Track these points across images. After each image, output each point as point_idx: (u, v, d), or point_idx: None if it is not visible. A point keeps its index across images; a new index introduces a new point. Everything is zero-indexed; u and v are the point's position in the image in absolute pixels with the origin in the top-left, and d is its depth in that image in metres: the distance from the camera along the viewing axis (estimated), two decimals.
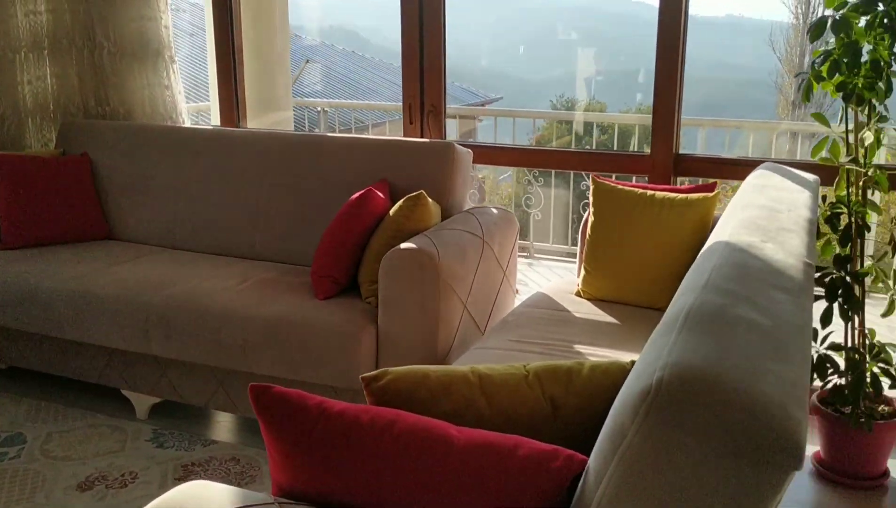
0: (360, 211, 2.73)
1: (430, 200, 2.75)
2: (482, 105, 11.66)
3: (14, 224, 3.19)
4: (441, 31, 3.34)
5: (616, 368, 1.28)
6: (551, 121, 8.03)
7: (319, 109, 6.55)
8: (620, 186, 2.78)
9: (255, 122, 3.99)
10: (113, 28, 3.58)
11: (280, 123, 4.21)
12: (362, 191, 2.76)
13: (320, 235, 3.09)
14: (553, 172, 5.27)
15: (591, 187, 2.82)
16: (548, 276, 5.07)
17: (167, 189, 3.39)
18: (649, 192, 2.75)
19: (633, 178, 3.52)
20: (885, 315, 2.65)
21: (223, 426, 2.97)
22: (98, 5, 3.57)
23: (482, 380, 1.27)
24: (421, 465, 1.07)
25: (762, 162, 2.65)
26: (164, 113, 3.67)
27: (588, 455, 1.07)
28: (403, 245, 2.51)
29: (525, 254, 5.47)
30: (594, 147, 5.86)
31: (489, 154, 3.49)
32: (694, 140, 5.22)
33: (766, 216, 1.85)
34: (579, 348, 2.33)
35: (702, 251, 1.66)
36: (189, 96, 5.60)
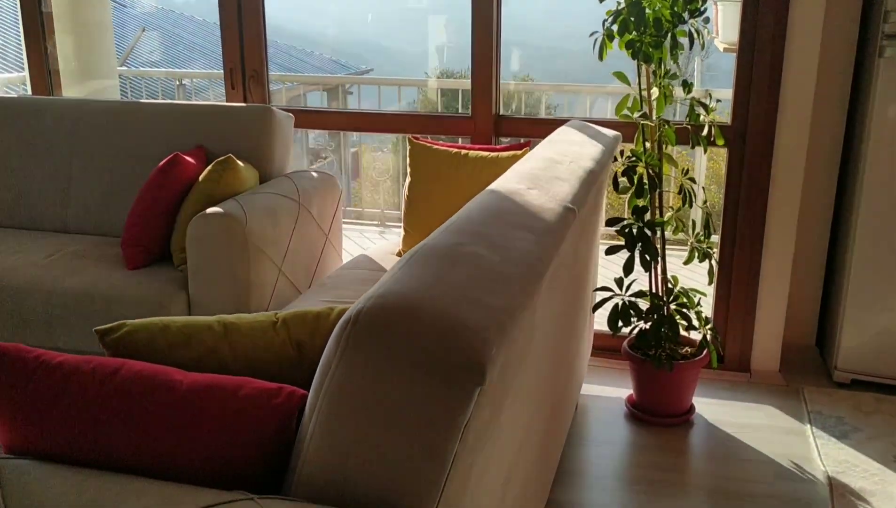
0: (167, 178, 2.65)
1: (241, 164, 2.71)
2: (354, 76, 11.53)
3: None
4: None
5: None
6: (421, 91, 8.05)
7: (176, 80, 6.30)
8: (436, 147, 2.83)
9: (73, 92, 3.80)
10: None
11: (103, 91, 4.03)
12: (169, 156, 2.69)
13: None
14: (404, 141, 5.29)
15: (409, 148, 2.85)
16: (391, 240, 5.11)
17: None
18: (463, 151, 2.81)
19: (459, 140, 3.58)
20: (686, 263, 2.82)
21: None
22: None
23: (227, 328, 1.27)
24: (142, 410, 1.06)
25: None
26: None
27: None
28: (209, 210, 2.46)
29: (375, 222, 5.49)
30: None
31: (316, 119, 3.46)
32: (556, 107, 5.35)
33: (544, 167, 1.93)
34: None
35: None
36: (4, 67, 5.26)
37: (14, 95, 3.92)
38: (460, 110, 5.97)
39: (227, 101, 3.39)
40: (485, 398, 1.05)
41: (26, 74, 3.89)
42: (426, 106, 7.56)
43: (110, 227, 3.04)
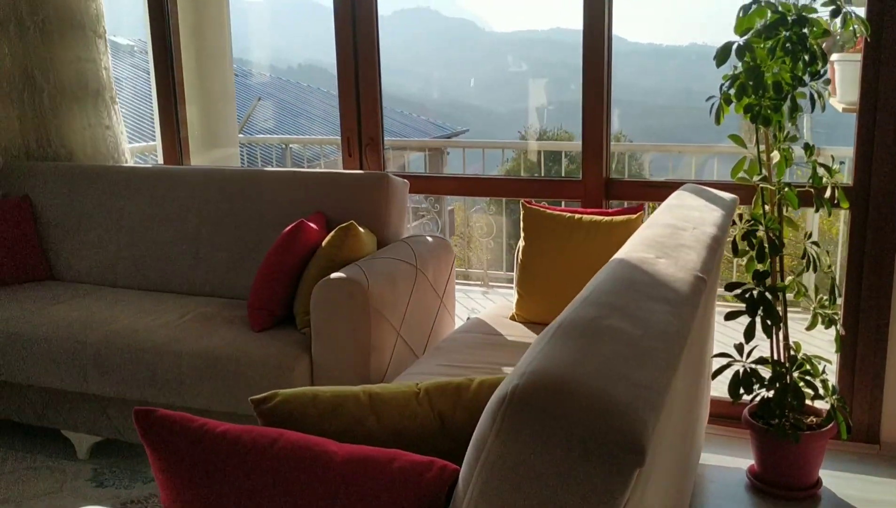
0: (292, 243, 2.77)
1: (361, 229, 2.80)
2: (449, 138, 11.79)
3: None
4: (376, 63, 3.41)
5: (501, 382, 1.32)
6: (519, 152, 8.15)
7: (284, 145, 6.57)
8: (549, 211, 2.85)
9: (199, 159, 4.03)
10: (52, 70, 3.62)
11: (225, 159, 4.25)
12: (294, 223, 2.81)
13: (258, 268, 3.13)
14: (504, 200, 5.36)
15: (522, 212, 2.89)
16: (499, 302, 5.13)
17: (108, 228, 3.40)
18: (577, 215, 2.83)
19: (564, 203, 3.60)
20: (809, 328, 2.73)
21: None
22: (37, 48, 3.61)
23: (372, 399, 1.31)
24: (300, 481, 1.11)
25: (686, 183, 2.75)
26: (105, 153, 3.70)
27: None
28: (333, 275, 2.55)
29: (479, 283, 5.53)
30: (548, 175, 5.96)
31: (428, 184, 3.56)
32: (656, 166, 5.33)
33: (668, 234, 1.93)
34: (508, 369, 2.37)
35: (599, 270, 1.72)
36: (137, 136, 5.64)
37: (148, 163, 4.18)
38: (563, 171, 6.01)
39: (343, 167, 3.53)
40: (639, 478, 1.05)
41: (157, 142, 4.16)
42: (525, 165, 7.63)
43: (236, 289, 3.18)
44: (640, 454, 0.95)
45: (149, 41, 3.88)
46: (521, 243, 2.87)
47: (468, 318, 3.42)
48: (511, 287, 5.49)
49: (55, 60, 3.60)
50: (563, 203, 3.51)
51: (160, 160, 4.18)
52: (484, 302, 5.17)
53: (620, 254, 1.71)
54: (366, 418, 1.29)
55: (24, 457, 2.96)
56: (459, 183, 3.58)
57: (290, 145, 7.09)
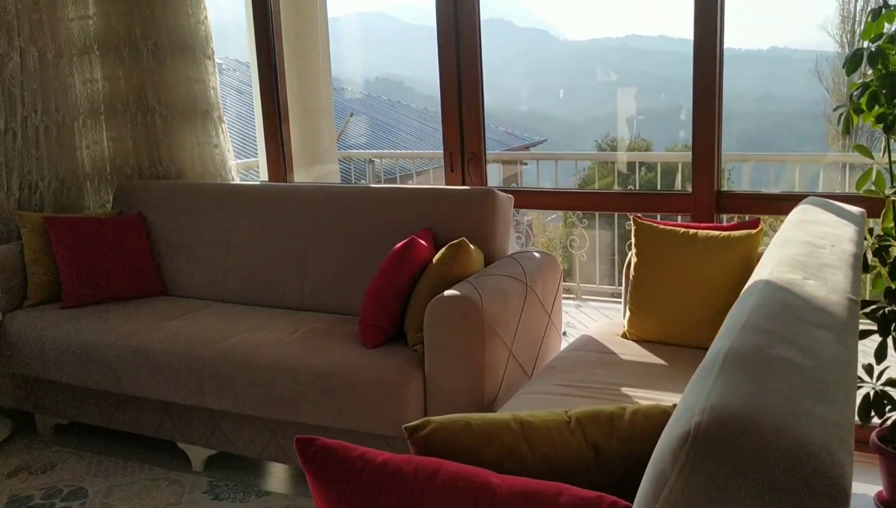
0: (403, 260, 2.77)
1: (472, 246, 2.79)
2: (526, 148, 11.73)
3: (74, 284, 3.31)
4: (478, 79, 3.41)
5: (658, 412, 1.28)
6: (595, 162, 8.05)
7: (367, 160, 6.65)
8: (662, 226, 2.78)
9: (301, 175, 4.10)
10: (164, 92, 3.74)
11: (326, 176, 4.31)
12: (405, 240, 2.81)
13: (366, 285, 3.15)
14: (597, 213, 5.27)
15: (633, 228, 2.82)
16: (595, 317, 5.05)
17: (217, 244, 3.49)
18: (691, 230, 2.74)
19: (679, 217, 3.51)
20: None
21: (277, 476, 3.01)
22: (149, 71, 3.74)
23: (524, 427, 1.28)
24: None
25: (806, 196, 2.63)
26: (213, 171, 3.79)
27: (631, 502, 1.07)
28: (447, 292, 2.54)
29: (572, 296, 5.46)
30: (638, 187, 5.85)
31: (531, 198, 3.52)
32: (740, 176, 5.16)
33: (807, 253, 1.84)
34: (626, 390, 2.31)
35: (742, 291, 1.65)
36: (238, 153, 5.77)
37: (251, 180, 4.27)
38: (638, 183, 5.88)
39: (445, 183, 3.53)
40: None
41: (259, 159, 4.25)
42: (601, 176, 7.51)
43: (343, 304, 3.21)
44: (843, 497, 0.89)
45: (253, 60, 3.97)
46: (633, 258, 2.81)
47: (564, 333, 3.37)
48: (606, 300, 5.42)
49: (166, 82, 3.72)
50: (658, 216, 3.42)
51: (261, 176, 4.27)
52: (578, 316, 5.09)
53: (763, 274, 1.63)
54: (518, 447, 1.26)
55: (143, 468, 3.04)
56: (561, 197, 3.53)
57: (374, 160, 7.16)
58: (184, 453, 3.04)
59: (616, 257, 5.52)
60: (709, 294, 2.60)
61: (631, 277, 2.80)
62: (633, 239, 2.83)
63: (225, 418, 2.90)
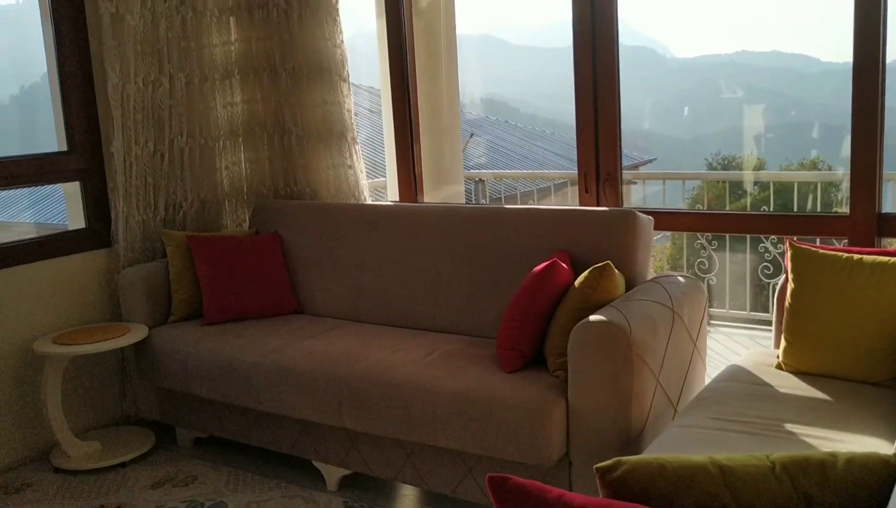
0: (544, 283, 2.71)
1: (616, 270, 2.70)
2: (635, 168, 11.47)
3: (215, 301, 3.40)
4: (616, 99, 3.32)
5: (876, 461, 1.16)
6: (706, 181, 7.75)
7: (476, 179, 6.64)
8: (822, 251, 2.61)
9: (429, 195, 4.10)
10: (300, 114, 3.82)
11: (452, 196, 4.30)
12: (547, 262, 2.74)
13: (501, 306, 3.10)
14: (726, 234, 5.05)
15: (789, 253, 2.66)
16: (727, 344, 4.82)
17: (351, 264, 3.52)
18: (856, 255, 2.56)
19: (818, 239, 3.31)
20: None
21: (411, 499, 2.98)
22: (287, 94, 3.83)
23: (724, 472, 1.19)
24: None
25: None
26: (347, 191, 3.84)
27: None
28: (593, 317, 2.46)
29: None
30: (749, 206, 5.58)
31: (668, 220, 3.39)
32: (885, 196, 4.84)
33: None
34: (790, 427, 2.17)
35: None
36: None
37: (381, 200, 4.30)
38: (749, 203, 5.60)
39: (579, 204, 3.45)
40: None
41: (387, 179, 4.28)
42: (712, 195, 7.18)
43: (476, 326, 3.17)
44: None
45: (385, 81, 4.01)
46: (790, 285, 2.64)
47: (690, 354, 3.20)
48: (737, 326, 5.17)
49: (303, 104, 3.80)
50: (790, 238, 3.21)
51: (390, 196, 4.31)
52: (710, 342, 4.88)
53: None
54: (720, 494, 1.17)
55: (279, 485, 3.08)
56: (701, 219, 3.39)
57: (508, 181, 7.11)
58: (318, 471, 3.06)
59: (748, 280, 5.28)
60: (879, 324, 2.41)
61: (786, 304, 2.64)
62: (788, 264, 2.67)
63: (361, 438, 2.90)
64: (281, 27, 3.78)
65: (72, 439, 3.26)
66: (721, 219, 3.40)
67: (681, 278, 2.95)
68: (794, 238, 2.84)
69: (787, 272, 2.69)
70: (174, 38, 3.59)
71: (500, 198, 7.55)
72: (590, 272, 2.66)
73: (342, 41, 3.76)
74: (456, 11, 4.32)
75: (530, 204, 5.97)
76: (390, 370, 2.78)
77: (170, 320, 3.49)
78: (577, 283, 2.69)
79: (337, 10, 3.74)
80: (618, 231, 2.97)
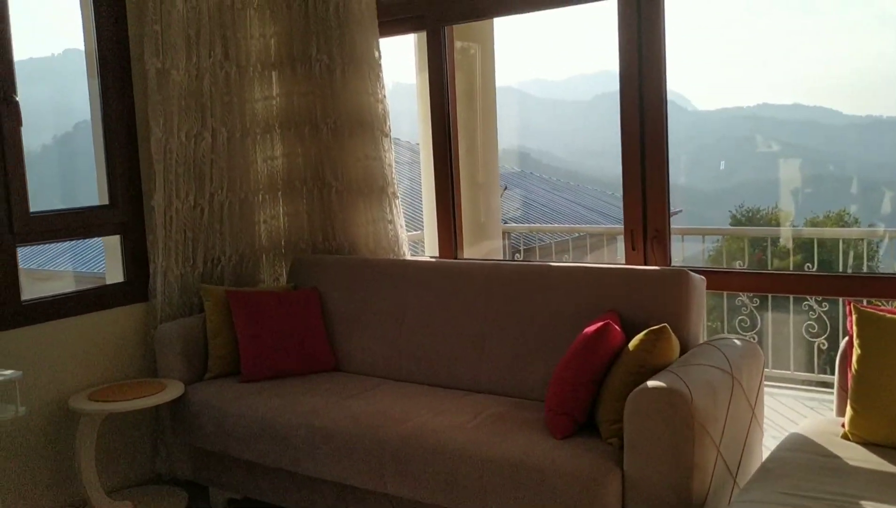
0: (597, 345, 2.61)
1: (672, 333, 2.60)
2: None
3: (252, 357, 3.33)
4: (664, 155, 3.25)
5: None
6: (727, 236, 7.61)
7: (528, 235, 6.56)
8: (890, 315, 2.50)
9: (468, 250, 4.03)
10: (341, 168, 3.79)
11: (491, 251, 4.24)
12: (599, 323, 2.65)
13: (547, 367, 3.01)
14: (769, 294, 4.93)
15: (854, 316, 2.55)
16: (772, 405, 4.66)
17: (391, 321, 3.44)
18: None
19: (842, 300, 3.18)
20: None
21: None
22: (328, 148, 3.81)
23: None
24: None
25: None
26: (387, 246, 3.78)
27: None
28: (650, 383, 2.35)
29: None
30: (771, 263, 5.44)
31: (722, 279, 3.29)
32: None
33: None
34: (868, 504, 2.03)
35: None
36: None
37: (419, 255, 4.24)
38: (770, 261, 5.46)
39: (625, 262, 3.36)
40: None
41: (426, 233, 4.23)
42: (730, 251, 7.05)
43: (521, 388, 3.07)
44: None
45: (426, 135, 3.98)
46: (856, 351, 2.53)
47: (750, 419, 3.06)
48: (784, 387, 5.01)
49: (344, 159, 3.78)
50: (852, 300, 3.09)
51: (427, 250, 4.25)
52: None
53: None
54: None
55: None
56: (758, 279, 3.28)
57: (511, 234, 7.02)
58: None
59: (791, 340, 5.13)
60: None
61: (852, 371, 2.52)
62: (853, 329, 2.56)
63: (403, 504, 2.79)
64: (323, 82, 3.78)
65: (103, 498, 3.17)
66: (777, 280, 3.28)
67: (737, 341, 2.84)
68: (841, 300, 2.74)
69: (851, 337, 2.58)
70: (217, 93, 3.59)
71: (520, 251, 7.44)
72: (645, 335, 2.56)
73: (384, 96, 3.74)
74: (496, 65, 4.32)
75: (566, 259, 5.89)
76: (435, 434, 2.68)
77: (206, 376, 3.41)
78: (630, 346, 2.59)
79: (380, 65, 3.73)
80: (670, 292, 2.87)
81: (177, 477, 3.49)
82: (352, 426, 2.83)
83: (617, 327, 2.69)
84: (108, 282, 3.60)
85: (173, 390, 3.21)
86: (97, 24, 3.40)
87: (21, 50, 3.13)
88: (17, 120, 3.10)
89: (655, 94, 3.23)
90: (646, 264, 3.30)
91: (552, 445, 2.53)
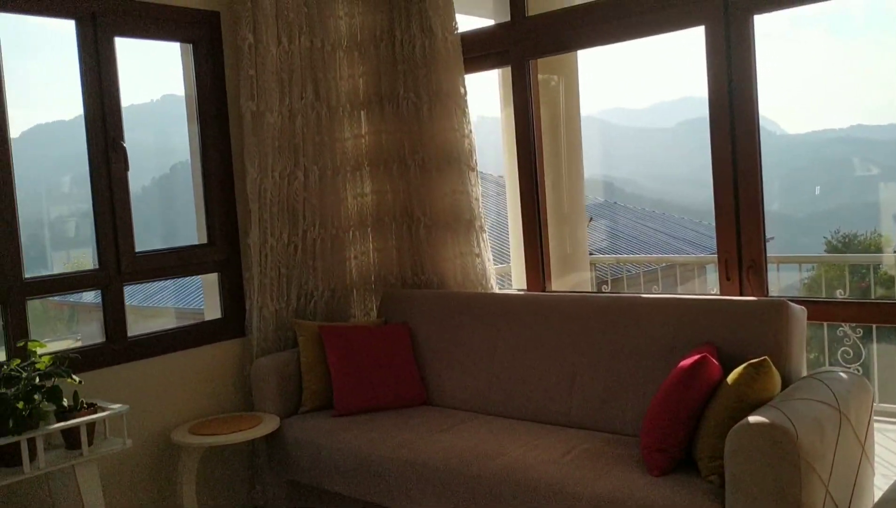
0: (694, 379, 2.54)
1: (773, 367, 2.51)
2: None
3: (345, 392, 3.38)
4: (758, 179, 3.17)
5: None
6: (824, 264, 7.27)
7: (615, 266, 6.45)
8: None
9: (556, 283, 4.01)
10: (429, 203, 3.84)
11: (579, 283, 4.20)
12: (696, 357, 2.58)
13: (640, 402, 2.95)
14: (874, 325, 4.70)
15: None
16: (885, 444, 4.42)
17: (481, 355, 3.44)
18: None
19: None
20: None
21: None
22: (416, 184, 3.87)
23: None
24: None
25: None
26: (475, 280, 3.80)
27: None
28: (752, 419, 2.27)
29: None
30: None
31: (823, 310, 3.17)
32: None
33: None
34: None
35: None
36: None
37: (506, 288, 4.24)
38: (847, 288, 5.18)
39: (720, 293, 3.28)
40: None
41: (512, 265, 4.22)
42: (828, 279, 6.70)
43: (613, 423, 3.02)
44: None
45: (512, 167, 4.00)
46: None
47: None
48: (891, 422, 4.75)
49: (432, 194, 3.83)
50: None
51: (514, 283, 4.24)
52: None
53: None
54: None
55: None
56: (862, 309, 3.13)
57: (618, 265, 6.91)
58: None
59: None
60: None
61: None
62: None
63: None
64: (410, 119, 3.85)
65: None
66: (888, 309, 3.11)
67: (843, 374, 2.72)
68: None
69: None
70: (309, 133, 3.70)
71: (607, 282, 7.32)
72: (745, 368, 2.48)
73: (470, 131, 3.79)
74: (581, 95, 4.30)
75: (654, 289, 5.78)
76: (528, 470, 2.65)
77: (300, 410, 3.48)
78: (729, 380, 2.51)
79: (466, 101, 3.78)
80: (770, 323, 2.78)
81: None
82: (444, 461, 2.83)
83: (714, 360, 2.62)
84: (207, 318, 3.72)
85: (269, 424, 3.28)
86: (197, 70, 3.57)
87: (124, 97, 3.30)
88: (124, 164, 3.27)
89: (748, 119, 3.17)
90: (741, 295, 3.21)
91: (649, 482, 2.47)
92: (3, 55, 2.94)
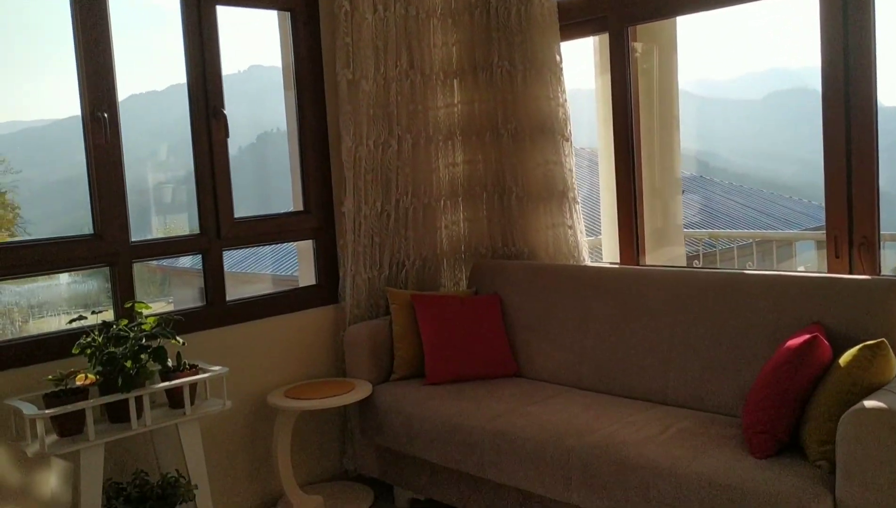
0: (804, 360, 2.44)
1: (890, 349, 2.39)
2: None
3: (437, 361, 3.39)
4: (874, 152, 3.00)
5: None
6: None
7: (707, 241, 6.27)
8: None
9: (649, 257, 3.92)
10: (521, 173, 3.79)
11: (674, 258, 4.09)
12: (806, 336, 2.48)
13: (740, 382, 2.86)
14: None
15: None
16: None
17: (573, 328, 3.39)
18: None
19: None
20: None
21: None
22: (508, 154, 3.82)
23: None
24: None
25: None
26: (566, 252, 3.74)
27: None
28: (868, 403, 2.17)
29: None
30: None
31: None
32: None
33: None
34: None
35: None
36: None
37: (598, 262, 4.16)
38: None
39: (828, 270, 3.14)
40: None
41: (603, 238, 4.14)
42: None
43: (710, 402, 2.94)
44: None
45: (607, 139, 3.90)
46: None
47: None
48: None
49: (524, 164, 3.78)
50: None
51: (605, 256, 4.16)
52: None
53: None
54: None
55: None
56: None
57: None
58: None
59: None
60: None
61: None
62: None
63: None
64: (504, 88, 3.79)
65: (298, 492, 3.33)
66: None
67: None
68: None
69: None
70: (403, 102, 3.69)
71: (699, 257, 7.12)
72: (860, 350, 2.37)
73: (565, 100, 3.71)
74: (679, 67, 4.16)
75: (749, 265, 5.59)
76: (625, 447, 2.61)
77: (391, 377, 3.51)
78: (842, 362, 2.41)
79: (561, 68, 3.70)
80: (884, 303, 2.65)
81: (363, 475, 3.61)
82: (537, 434, 2.81)
83: (825, 340, 2.51)
84: (302, 285, 3.78)
85: (362, 390, 3.33)
86: (294, 38, 3.59)
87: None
88: (224, 132, 3.33)
89: (864, 91, 2.99)
90: (851, 273, 3.07)
91: (752, 464, 2.39)
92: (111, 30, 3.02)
